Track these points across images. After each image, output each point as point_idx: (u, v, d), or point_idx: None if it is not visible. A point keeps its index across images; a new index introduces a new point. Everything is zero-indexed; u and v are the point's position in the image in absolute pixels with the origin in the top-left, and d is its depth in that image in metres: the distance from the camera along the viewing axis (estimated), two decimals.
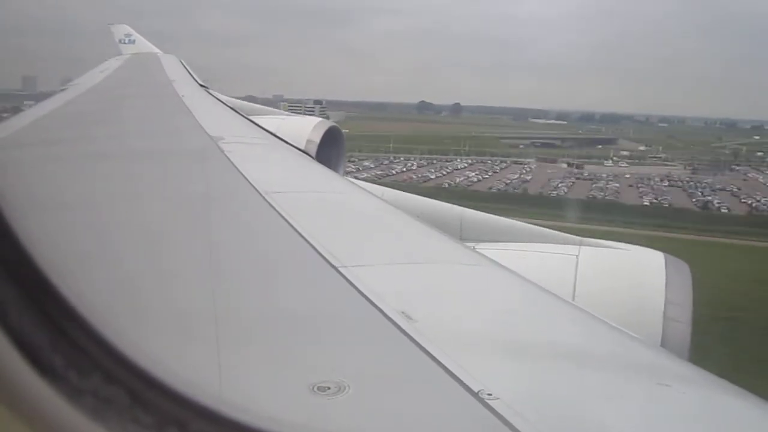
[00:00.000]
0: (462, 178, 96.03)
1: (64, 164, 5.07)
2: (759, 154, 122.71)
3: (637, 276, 4.22)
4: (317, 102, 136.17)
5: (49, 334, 0.99)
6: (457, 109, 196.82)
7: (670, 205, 78.04)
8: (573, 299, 3.73)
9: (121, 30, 22.33)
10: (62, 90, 11.43)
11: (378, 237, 3.57)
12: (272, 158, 5.99)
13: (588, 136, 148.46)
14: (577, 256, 4.29)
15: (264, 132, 7.36)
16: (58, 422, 0.94)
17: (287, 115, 10.61)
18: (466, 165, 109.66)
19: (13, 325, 0.96)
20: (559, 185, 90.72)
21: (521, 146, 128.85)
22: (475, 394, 1.64)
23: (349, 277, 2.48)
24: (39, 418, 0.94)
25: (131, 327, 1.74)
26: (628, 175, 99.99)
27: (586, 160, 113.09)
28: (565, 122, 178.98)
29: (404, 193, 5.94)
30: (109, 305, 1.89)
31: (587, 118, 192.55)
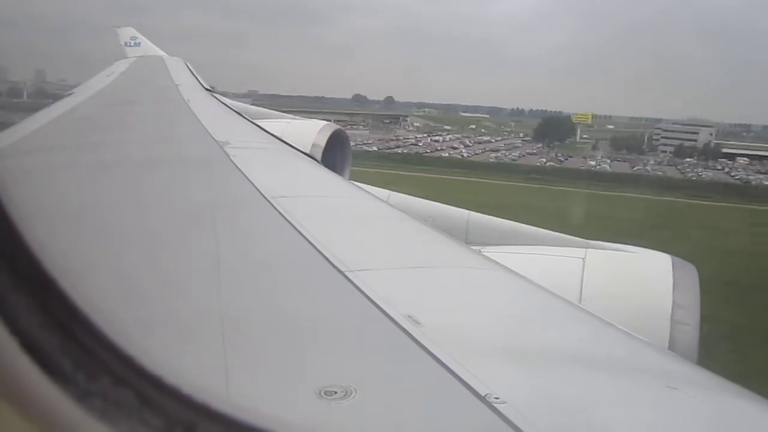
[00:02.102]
0: None
1: (71, 171, 5.09)
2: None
3: (645, 279, 4.21)
4: (252, 91, 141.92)
5: (58, 338, 1.00)
6: (389, 102, 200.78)
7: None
8: (580, 302, 3.72)
9: (127, 33, 22.43)
10: (69, 94, 11.48)
11: (384, 241, 3.57)
12: (278, 163, 6.00)
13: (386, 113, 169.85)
14: (583, 258, 4.28)
15: (270, 136, 7.37)
16: (67, 424, 0.95)
17: (292, 118, 10.62)
18: None
19: (22, 329, 0.97)
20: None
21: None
22: (483, 398, 1.63)
23: (355, 282, 2.48)
24: (48, 420, 0.95)
25: (140, 331, 1.74)
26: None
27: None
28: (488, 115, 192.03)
29: (410, 196, 5.94)
30: (118, 309, 1.89)
31: (495, 112, 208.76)
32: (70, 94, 11.55)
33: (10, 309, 0.98)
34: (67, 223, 3.28)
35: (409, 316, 2.14)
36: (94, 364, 1.00)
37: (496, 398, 1.62)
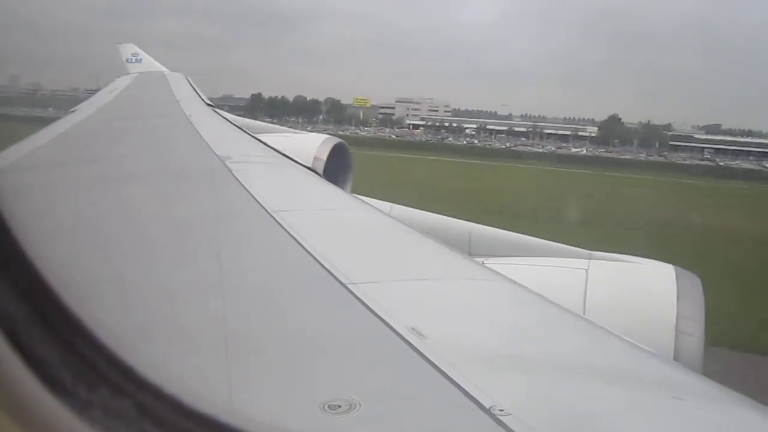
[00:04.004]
0: None
1: (73, 185, 5.11)
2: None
3: (648, 289, 4.19)
4: (227, 96, 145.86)
5: (58, 350, 0.99)
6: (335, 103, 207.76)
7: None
8: (584, 313, 3.70)
9: (128, 49, 22.70)
10: (72, 111, 11.54)
11: (387, 253, 3.56)
12: (280, 176, 6.01)
13: None
14: (586, 270, 4.26)
15: (271, 150, 7.39)
16: None
17: (293, 132, 10.66)
18: None
19: (23, 341, 0.96)
20: None
21: None
22: (487, 410, 1.62)
23: (358, 295, 2.47)
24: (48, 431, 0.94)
25: (141, 343, 1.73)
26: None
27: None
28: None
29: (412, 209, 5.93)
30: (118, 321, 1.89)
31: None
32: (72, 111, 11.61)
33: (10, 321, 0.97)
34: (69, 236, 3.28)
35: (413, 329, 2.12)
36: (94, 376, 0.99)
37: (501, 410, 1.61)
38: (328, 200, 5.11)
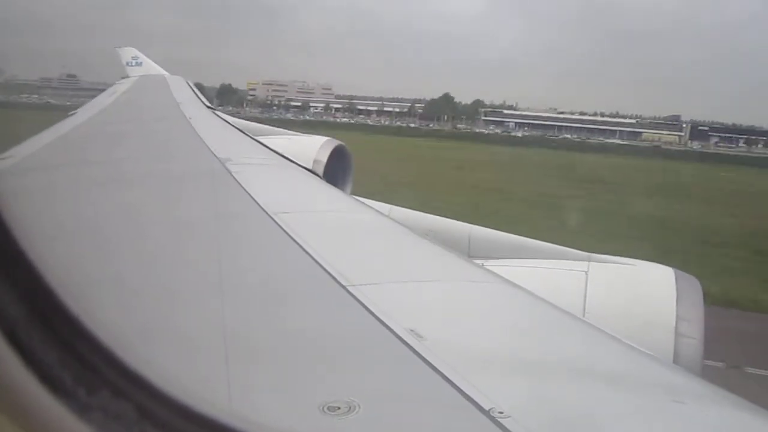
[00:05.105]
0: None
1: (73, 186, 5.11)
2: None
3: (648, 292, 4.19)
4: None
5: (58, 351, 0.99)
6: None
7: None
8: (583, 316, 3.70)
9: (129, 53, 22.79)
10: (72, 114, 11.55)
11: (386, 255, 3.56)
12: (280, 179, 6.02)
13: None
14: (586, 272, 4.26)
15: (271, 152, 7.40)
16: None
17: (294, 134, 10.67)
18: None
19: (22, 342, 0.96)
20: None
21: None
22: (486, 413, 1.62)
23: (357, 296, 2.47)
24: None
25: (141, 344, 1.73)
26: None
27: None
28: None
29: (412, 211, 5.93)
30: (118, 322, 1.89)
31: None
32: (72, 114, 11.61)
33: (10, 321, 0.97)
34: (69, 237, 3.28)
35: (412, 330, 2.13)
36: (93, 377, 0.99)
37: (500, 412, 1.61)
38: (328, 202, 5.11)
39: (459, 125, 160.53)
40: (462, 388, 1.75)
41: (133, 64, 22.49)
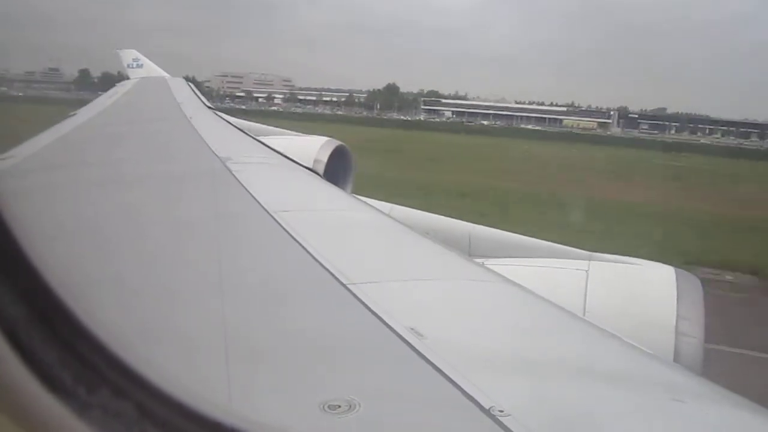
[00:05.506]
0: None
1: (74, 186, 5.11)
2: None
3: (648, 291, 4.19)
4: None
5: (58, 351, 1.00)
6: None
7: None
8: (584, 315, 3.70)
9: (129, 55, 22.83)
10: (72, 115, 11.56)
11: (387, 254, 3.57)
12: (280, 178, 6.02)
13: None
14: (587, 271, 4.26)
15: (271, 151, 7.40)
16: None
17: (295, 135, 10.66)
18: None
19: (22, 342, 0.97)
20: None
21: None
22: (487, 411, 1.62)
23: (358, 295, 2.47)
24: None
25: (141, 343, 1.74)
26: None
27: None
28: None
29: (412, 209, 5.93)
30: (118, 322, 1.89)
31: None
32: (72, 114, 11.62)
33: (10, 321, 0.97)
34: (70, 237, 3.29)
35: (412, 329, 2.13)
36: (93, 376, 1.00)
37: (501, 411, 1.61)
38: (329, 201, 5.11)
39: (400, 115, 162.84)
40: (462, 386, 1.75)
41: (134, 66, 22.51)
